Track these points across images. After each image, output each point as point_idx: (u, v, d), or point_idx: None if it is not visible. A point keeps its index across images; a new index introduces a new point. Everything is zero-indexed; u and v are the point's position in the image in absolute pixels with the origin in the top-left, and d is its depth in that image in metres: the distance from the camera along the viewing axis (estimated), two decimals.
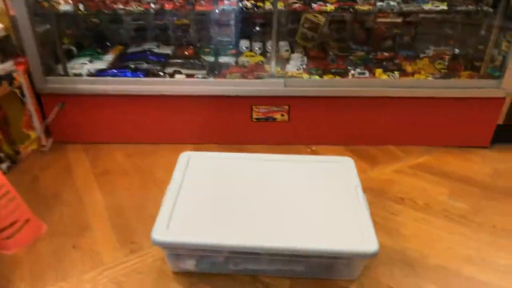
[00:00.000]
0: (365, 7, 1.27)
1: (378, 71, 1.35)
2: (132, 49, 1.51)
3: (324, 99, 1.32)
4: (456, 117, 1.34)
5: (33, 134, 1.32)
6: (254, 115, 1.34)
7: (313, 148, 1.37)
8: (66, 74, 1.32)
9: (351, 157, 1.06)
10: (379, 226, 0.99)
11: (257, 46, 1.48)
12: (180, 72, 1.35)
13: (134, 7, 1.25)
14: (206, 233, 0.83)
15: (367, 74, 1.34)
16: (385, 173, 1.25)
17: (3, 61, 1.20)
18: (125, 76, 1.33)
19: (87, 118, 1.35)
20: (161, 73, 1.35)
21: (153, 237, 0.82)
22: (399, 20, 1.48)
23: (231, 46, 1.51)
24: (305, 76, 1.33)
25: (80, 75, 1.33)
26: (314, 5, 1.27)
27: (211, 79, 1.32)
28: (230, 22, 1.53)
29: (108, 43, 1.54)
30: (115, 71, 1.34)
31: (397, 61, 1.44)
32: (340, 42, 1.56)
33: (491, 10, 1.27)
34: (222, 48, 1.50)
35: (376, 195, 1.13)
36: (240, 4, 1.26)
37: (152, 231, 0.83)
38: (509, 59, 1.24)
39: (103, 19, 1.52)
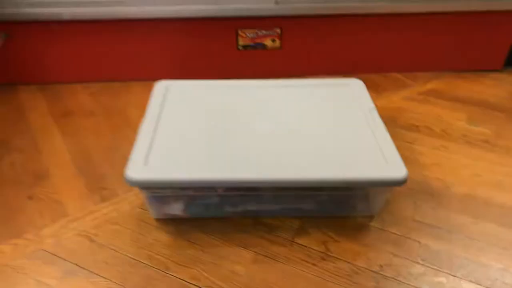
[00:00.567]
0: None
1: None
2: None
3: (322, 20, 1.13)
4: (466, 38, 1.18)
5: None
6: (241, 42, 1.14)
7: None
8: None
9: None
10: None
11: None
12: None
13: None
14: (194, 168, 0.66)
15: None
16: (393, 101, 1.10)
17: None
18: None
19: (41, 52, 1.12)
20: None
21: (128, 175, 0.64)
22: None
23: None
24: None
25: None
26: None
27: None
28: None
29: None
30: None
31: None
32: None
33: None
34: None
35: (387, 124, 0.95)
36: None
37: (126, 168, 0.65)
38: None
39: None
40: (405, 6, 1.12)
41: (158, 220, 0.74)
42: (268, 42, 1.15)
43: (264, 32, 1.13)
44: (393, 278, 0.64)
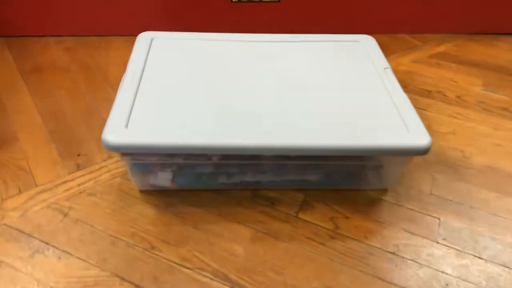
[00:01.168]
0: None
1: None
2: None
3: None
4: None
5: None
6: None
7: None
8: None
9: None
10: None
11: None
12: None
13: None
14: (183, 131, 0.56)
15: None
16: (402, 63, 1.00)
17: None
18: None
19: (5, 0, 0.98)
20: None
21: (106, 139, 0.54)
22: None
23: None
24: None
25: None
26: None
27: None
28: None
29: None
30: None
31: None
32: None
33: None
34: None
35: None
36: None
37: (104, 131, 0.55)
38: None
39: None
40: None
41: (142, 191, 0.64)
42: None
43: None
44: (412, 260, 0.56)
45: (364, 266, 0.55)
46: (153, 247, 0.56)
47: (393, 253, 0.57)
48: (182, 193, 0.64)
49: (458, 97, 0.89)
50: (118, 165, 0.68)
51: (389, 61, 0.99)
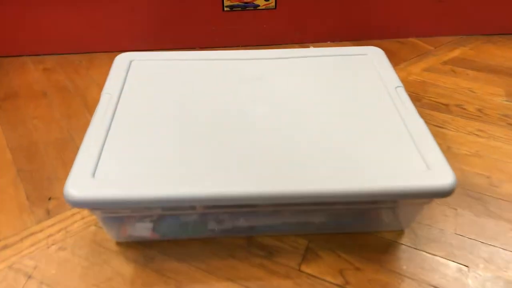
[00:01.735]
0: None
1: None
2: None
3: None
4: None
5: None
6: (227, 1, 0.92)
7: (310, 47, 1.00)
8: None
9: None
10: None
11: None
12: None
13: None
14: (162, 179, 0.47)
15: None
16: (413, 72, 0.90)
17: None
18: None
19: None
20: None
21: (68, 192, 0.45)
22: None
23: None
24: None
25: None
26: None
27: None
28: None
29: None
30: None
31: None
32: None
33: None
34: None
35: None
36: None
37: (67, 182, 0.46)
38: None
39: None
40: None
41: (119, 243, 0.56)
42: (260, 1, 0.93)
43: None
44: None
45: None
46: None
47: None
48: (164, 244, 0.55)
49: (478, 110, 0.79)
50: None
51: (398, 70, 0.90)
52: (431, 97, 0.83)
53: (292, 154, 0.50)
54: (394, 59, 0.95)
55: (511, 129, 0.74)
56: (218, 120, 0.55)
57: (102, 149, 0.50)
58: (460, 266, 0.53)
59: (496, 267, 0.53)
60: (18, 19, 0.90)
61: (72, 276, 0.52)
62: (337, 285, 0.51)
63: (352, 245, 0.55)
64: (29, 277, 0.52)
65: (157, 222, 0.54)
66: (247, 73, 0.64)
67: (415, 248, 0.55)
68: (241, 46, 0.99)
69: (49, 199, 0.62)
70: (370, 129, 0.54)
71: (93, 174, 0.47)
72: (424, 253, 0.54)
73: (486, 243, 0.56)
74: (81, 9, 0.91)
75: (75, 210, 0.60)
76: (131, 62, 0.67)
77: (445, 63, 0.93)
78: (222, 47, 0.98)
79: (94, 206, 0.47)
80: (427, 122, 0.75)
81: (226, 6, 0.93)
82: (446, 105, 0.80)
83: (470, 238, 0.56)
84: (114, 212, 0.50)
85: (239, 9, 0.94)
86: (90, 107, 0.80)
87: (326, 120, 0.55)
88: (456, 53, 0.97)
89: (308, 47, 1.00)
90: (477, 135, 0.73)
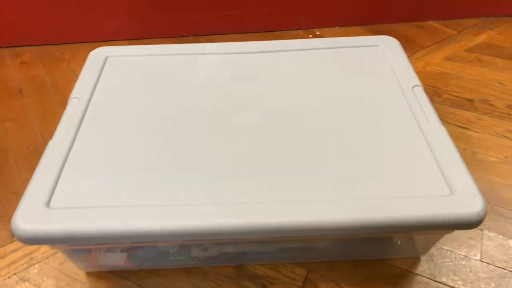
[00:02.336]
0: None
1: None
2: None
3: None
4: None
5: None
6: None
7: (317, 33, 0.90)
8: None
9: None
10: None
11: None
12: None
13: None
14: (131, 209, 0.39)
15: None
16: (433, 62, 0.80)
17: None
18: None
19: None
20: None
21: (16, 225, 0.38)
22: None
23: None
24: None
25: None
26: None
27: None
28: None
29: None
30: None
31: None
32: None
33: None
34: None
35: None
36: None
37: (15, 213, 0.38)
38: None
39: None
40: None
41: (89, 273, 0.48)
42: None
43: None
44: None
45: None
46: None
47: None
48: (142, 274, 0.48)
49: (509, 107, 0.69)
50: None
51: (415, 60, 0.80)
52: (453, 91, 0.73)
53: (289, 175, 0.41)
54: (411, 46, 0.84)
55: None
56: (203, 130, 0.46)
57: (61, 171, 0.42)
58: None
59: None
60: None
61: None
62: None
63: (358, 275, 0.47)
64: None
65: (132, 250, 0.46)
66: (239, 69, 0.55)
67: (433, 280, 0.47)
68: (239, 33, 0.90)
69: None
70: (381, 143, 0.45)
71: (48, 203, 0.39)
72: (444, 286, 0.46)
73: None
74: None
75: None
76: (106, 58, 0.58)
77: (469, 50, 0.82)
78: (217, 34, 0.89)
79: (46, 242, 0.39)
80: (448, 121, 0.65)
81: None
82: (471, 101, 0.70)
83: (499, 267, 0.48)
84: (75, 246, 0.42)
85: None
86: None
87: (327, 131, 0.46)
88: (482, 38, 0.86)
89: (314, 33, 0.90)
90: (507, 137, 0.63)
